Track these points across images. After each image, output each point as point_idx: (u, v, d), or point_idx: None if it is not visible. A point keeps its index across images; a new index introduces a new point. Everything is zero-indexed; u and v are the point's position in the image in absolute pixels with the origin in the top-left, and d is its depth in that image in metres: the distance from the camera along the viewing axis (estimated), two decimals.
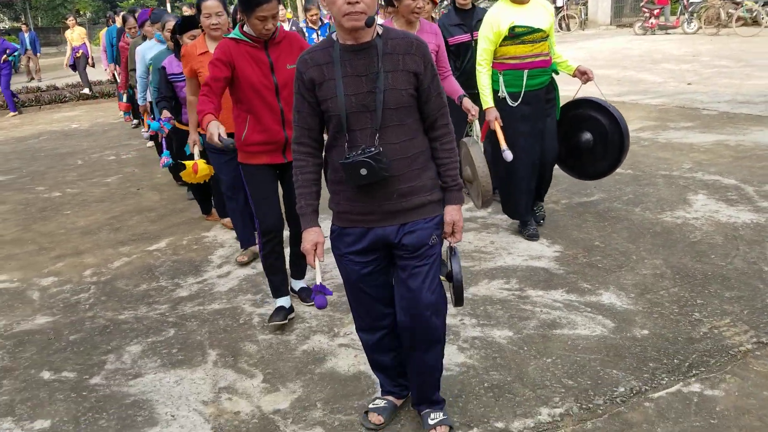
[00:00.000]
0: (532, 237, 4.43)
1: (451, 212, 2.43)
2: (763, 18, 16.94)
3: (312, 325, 3.57)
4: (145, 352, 3.45)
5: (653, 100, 9.08)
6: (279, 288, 3.65)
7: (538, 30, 3.92)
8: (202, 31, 4.25)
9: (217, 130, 2.96)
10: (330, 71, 2.25)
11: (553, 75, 4.20)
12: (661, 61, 13.12)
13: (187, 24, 4.50)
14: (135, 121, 10.08)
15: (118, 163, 8.18)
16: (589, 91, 4.41)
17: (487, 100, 4.04)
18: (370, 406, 2.74)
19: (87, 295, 4.24)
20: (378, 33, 2.25)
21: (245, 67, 3.26)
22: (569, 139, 4.44)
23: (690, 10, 18.63)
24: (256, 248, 4.59)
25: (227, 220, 5.16)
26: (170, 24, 4.94)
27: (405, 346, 2.54)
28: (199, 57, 4.10)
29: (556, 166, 4.60)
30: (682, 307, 3.42)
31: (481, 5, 4.65)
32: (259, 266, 4.43)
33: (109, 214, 5.97)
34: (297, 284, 3.93)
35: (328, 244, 2.45)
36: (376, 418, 2.68)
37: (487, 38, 3.94)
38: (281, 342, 3.43)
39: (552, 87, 4.22)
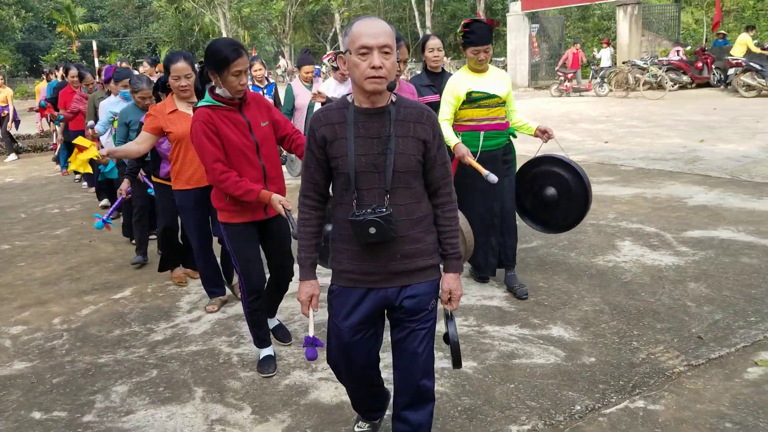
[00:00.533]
0: (483, 279, 4.84)
1: (449, 281, 2.52)
2: (666, 83, 18.49)
3: (290, 362, 3.83)
4: (132, 392, 3.61)
5: (575, 157, 9.76)
6: (264, 339, 3.81)
7: (494, 96, 4.38)
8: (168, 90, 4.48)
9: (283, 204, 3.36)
10: (342, 130, 2.36)
11: (511, 138, 4.61)
12: (578, 121, 14.14)
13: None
14: (77, 176, 10.07)
15: (63, 216, 8.18)
16: (548, 148, 4.78)
17: (452, 138, 4.31)
18: (356, 429, 3.00)
19: (61, 342, 4.34)
20: (392, 100, 2.38)
21: (227, 131, 3.37)
22: (535, 194, 4.72)
23: (601, 74, 20.16)
24: (224, 297, 4.81)
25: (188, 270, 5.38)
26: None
27: (398, 406, 2.63)
28: (169, 115, 4.28)
29: (524, 223, 4.87)
30: (622, 337, 3.88)
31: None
32: (229, 310, 4.66)
33: (65, 265, 6.04)
34: (271, 323, 4.11)
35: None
36: None
37: (447, 101, 4.38)
38: (263, 378, 3.66)
39: (509, 149, 4.60)
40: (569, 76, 20.45)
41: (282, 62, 36.14)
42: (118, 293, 5.21)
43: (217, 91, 3.39)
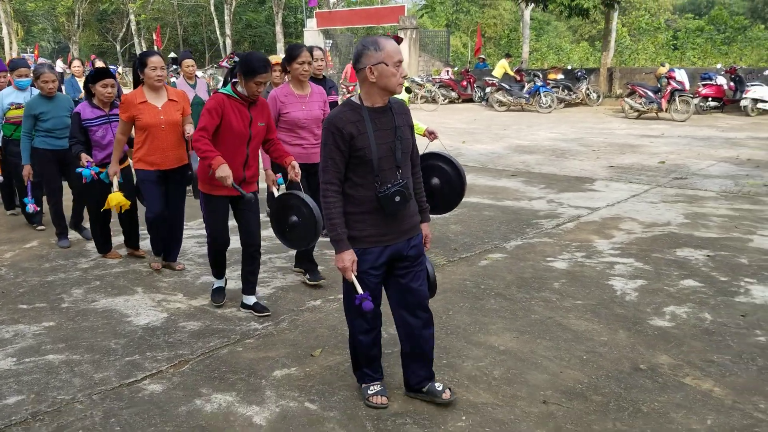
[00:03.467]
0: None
1: (425, 228, 3.27)
2: (439, 97, 21.95)
3: (199, 272, 5.57)
4: (87, 292, 5.14)
5: None
6: (221, 272, 4.83)
7: None
8: (142, 82, 5.03)
9: (229, 174, 3.99)
10: (363, 127, 2.92)
11: None
12: None
13: (99, 74, 5.41)
14: None
15: None
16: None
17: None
18: (369, 392, 3.34)
19: (4, 272, 5.64)
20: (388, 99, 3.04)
21: (232, 117, 4.14)
22: (426, 183, 5.31)
23: None
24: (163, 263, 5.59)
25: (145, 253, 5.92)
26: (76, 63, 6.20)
27: (416, 328, 3.20)
28: (139, 105, 4.93)
29: None
30: None
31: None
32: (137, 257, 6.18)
33: None
34: (250, 299, 4.68)
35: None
36: (380, 399, 3.31)
37: None
38: (181, 281, 5.39)
39: None
40: (351, 89, 23.14)
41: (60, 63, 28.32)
42: (26, 244, 6.49)
43: (239, 87, 4.17)
